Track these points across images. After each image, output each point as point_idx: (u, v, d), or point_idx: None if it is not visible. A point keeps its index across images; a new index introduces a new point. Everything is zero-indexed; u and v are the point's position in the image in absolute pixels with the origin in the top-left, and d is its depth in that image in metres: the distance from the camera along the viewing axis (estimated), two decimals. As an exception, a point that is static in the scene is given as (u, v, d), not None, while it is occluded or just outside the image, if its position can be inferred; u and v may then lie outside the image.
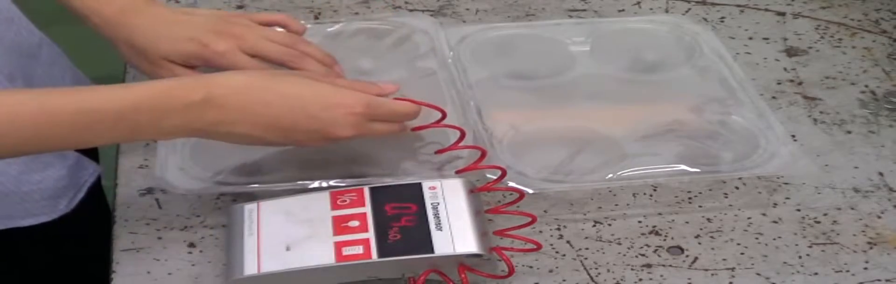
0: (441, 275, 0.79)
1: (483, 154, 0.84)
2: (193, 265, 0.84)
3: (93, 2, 0.88)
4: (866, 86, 1.05)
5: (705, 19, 1.14)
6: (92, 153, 1.02)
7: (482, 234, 0.79)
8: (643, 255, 0.86)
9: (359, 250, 0.77)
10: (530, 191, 0.84)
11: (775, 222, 0.90)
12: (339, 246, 0.78)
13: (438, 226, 0.78)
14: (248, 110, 0.75)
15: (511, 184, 0.84)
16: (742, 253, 0.86)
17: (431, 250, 0.77)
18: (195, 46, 0.87)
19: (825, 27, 1.14)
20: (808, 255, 0.87)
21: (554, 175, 0.87)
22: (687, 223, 0.89)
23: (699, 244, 0.87)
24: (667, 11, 1.15)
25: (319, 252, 0.77)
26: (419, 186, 0.81)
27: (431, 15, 1.12)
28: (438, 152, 0.86)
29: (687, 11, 1.15)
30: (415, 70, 0.98)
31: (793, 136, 0.97)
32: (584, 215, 0.90)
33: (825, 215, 0.90)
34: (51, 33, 0.99)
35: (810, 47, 1.10)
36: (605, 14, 1.14)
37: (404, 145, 0.89)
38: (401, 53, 1.00)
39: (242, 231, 0.80)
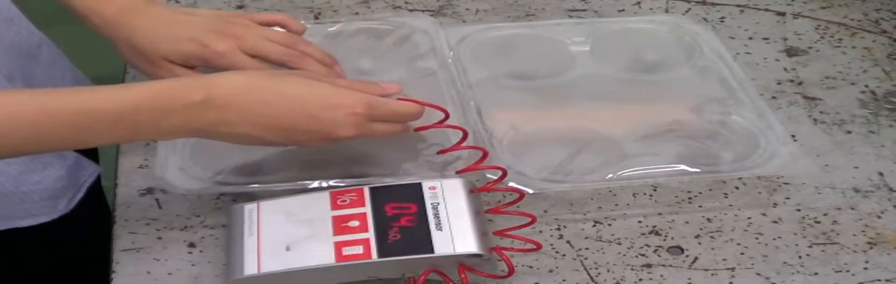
0: (441, 275, 0.79)
1: (484, 155, 0.84)
2: (193, 265, 0.84)
3: (93, 2, 0.88)
4: (866, 86, 1.05)
5: (705, 19, 1.14)
6: (92, 153, 1.02)
7: (482, 234, 0.79)
8: (643, 255, 0.86)
9: (359, 250, 0.77)
10: (530, 191, 0.84)
11: (775, 222, 0.90)
12: (339, 246, 0.77)
13: (438, 226, 0.78)
14: (248, 110, 0.75)
15: (511, 184, 0.84)
16: (742, 253, 0.86)
17: (431, 250, 0.77)
18: (195, 46, 0.87)
19: (825, 27, 1.14)
20: (808, 255, 0.86)
21: (554, 175, 0.87)
22: (687, 223, 0.89)
23: (699, 244, 0.87)
24: (667, 11, 1.15)
25: (319, 252, 0.77)
26: (419, 186, 0.81)
27: (431, 15, 1.12)
28: (441, 152, 0.86)
29: (687, 11, 1.15)
30: (415, 70, 0.97)
31: (793, 136, 0.97)
32: (584, 215, 0.90)
33: (825, 215, 0.90)
34: (51, 33, 0.99)
35: (810, 47, 1.10)
36: (605, 14, 1.14)
37: (405, 145, 0.89)
38: (401, 53, 1.00)
39: (242, 231, 0.80)
